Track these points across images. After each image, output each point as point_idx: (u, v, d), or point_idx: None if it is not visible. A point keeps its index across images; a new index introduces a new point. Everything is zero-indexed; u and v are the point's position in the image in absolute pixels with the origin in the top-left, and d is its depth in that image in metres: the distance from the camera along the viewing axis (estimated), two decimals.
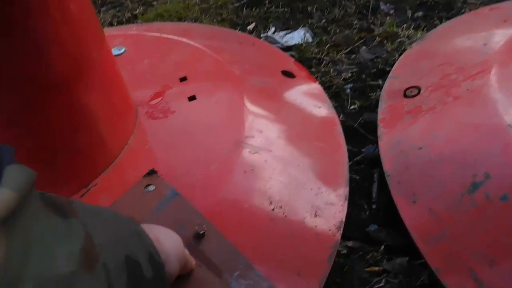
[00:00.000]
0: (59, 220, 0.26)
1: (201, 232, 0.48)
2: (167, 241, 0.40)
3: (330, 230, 0.58)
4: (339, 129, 0.75)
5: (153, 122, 0.67)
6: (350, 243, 0.64)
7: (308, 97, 0.81)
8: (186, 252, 0.45)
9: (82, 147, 0.57)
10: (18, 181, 0.22)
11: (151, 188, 0.54)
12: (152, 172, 0.56)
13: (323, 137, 0.72)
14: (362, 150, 0.77)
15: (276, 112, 0.74)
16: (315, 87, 0.86)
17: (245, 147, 0.64)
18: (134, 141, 0.65)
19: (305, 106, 0.78)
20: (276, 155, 0.65)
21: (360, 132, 0.81)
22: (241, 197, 0.58)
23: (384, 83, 0.85)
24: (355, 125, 0.83)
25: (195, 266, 0.47)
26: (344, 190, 0.64)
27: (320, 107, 0.79)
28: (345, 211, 0.61)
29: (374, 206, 0.68)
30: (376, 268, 0.59)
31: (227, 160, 0.61)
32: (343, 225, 0.60)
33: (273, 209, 0.58)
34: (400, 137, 0.69)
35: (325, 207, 0.61)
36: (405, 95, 0.78)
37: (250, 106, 0.70)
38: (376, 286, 0.57)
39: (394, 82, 0.83)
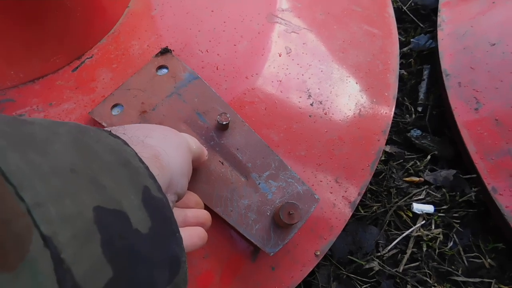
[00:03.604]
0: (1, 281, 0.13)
1: (224, 123, 0.39)
2: (171, 149, 0.28)
3: (374, 133, 0.50)
4: (391, 11, 0.61)
5: None
6: (388, 148, 0.56)
7: None
8: (195, 148, 0.33)
9: (70, 6, 0.42)
10: None
11: (164, 71, 0.43)
12: (165, 51, 0.44)
13: (373, 20, 0.58)
14: (412, 40, 0.64)
15: None
16: None
17: (280, 22, 0.50)
18: (137, 4, 0.51)
19: None
20: (317, 37, 0.52)
21: (409, 18, 0.67)
22: (274, 86, 0.47)
23: None
24: (404, 7, 0.68)
25: (217, 163, 0.39)
26: (393, 87, 0.53)
27: None
28: (392, 113, 0.52)
29: (420, 109, 0.58)
30: (417, 179, 0.53)
31: (259, 38, 0.49)
32: (389, 128, 0.51)
33: (311, 104, 0.48)
34: (467, 28, 0.56)
35: (370, 106, 0.51)
36: None
37: None
38: (415, 198, 0.51)
39: None
